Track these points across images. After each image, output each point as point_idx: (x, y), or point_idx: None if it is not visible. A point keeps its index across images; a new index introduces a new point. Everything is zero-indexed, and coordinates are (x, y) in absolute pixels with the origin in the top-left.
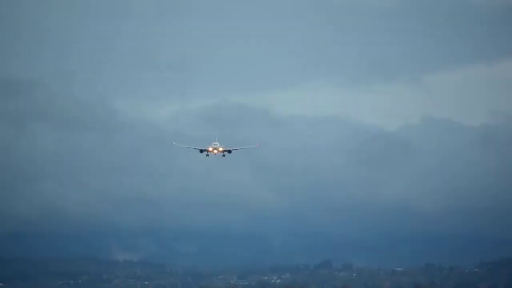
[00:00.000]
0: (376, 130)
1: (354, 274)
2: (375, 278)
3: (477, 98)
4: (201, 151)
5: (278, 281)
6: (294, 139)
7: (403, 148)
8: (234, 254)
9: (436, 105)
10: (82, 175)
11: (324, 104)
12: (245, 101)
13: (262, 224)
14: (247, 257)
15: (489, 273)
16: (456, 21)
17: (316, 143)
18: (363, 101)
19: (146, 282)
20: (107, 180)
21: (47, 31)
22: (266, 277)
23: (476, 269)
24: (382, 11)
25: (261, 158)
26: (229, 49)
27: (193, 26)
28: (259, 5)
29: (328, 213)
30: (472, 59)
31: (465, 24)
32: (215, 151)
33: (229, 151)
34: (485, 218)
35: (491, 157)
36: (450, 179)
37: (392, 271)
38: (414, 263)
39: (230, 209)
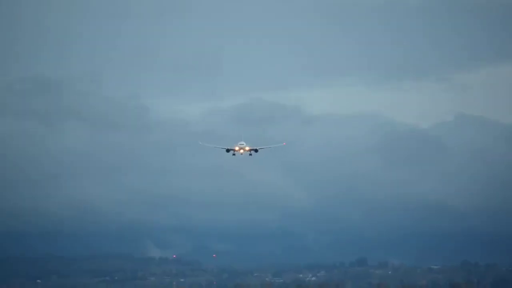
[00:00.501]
0: (408, 128)
1: (390, 272)
2: (411, 275)
3: (510, 96)
4: (228, 150)
5: (313, 278)
6: (325, 137)
7: (436, 145)
8: (268, 252)
9: (468, 102)
10: (113, 173)
11: (356, 102)
12: (276, 100)
13: (295, 222)
14: (281, 255)
15: None
16: (488, 18)
17: (348, 141)
18: (394, 99)
19: (182, 280)
20: (139, 179)
21: (76, 30)
22: (301, 275)
23: None
24: (413, 9)
25: (293, 156)
26: (260, 47)
27: (225, 25)
28: (289, 3)
29: (362, 211)
30: (504, 57)
31: (497, 22)
32: (242, 151)
33: (256, 150)
34: None
35: None
36: (484, 177)
37: (428, 269)
38: (451, 261)
39: (262, 208)
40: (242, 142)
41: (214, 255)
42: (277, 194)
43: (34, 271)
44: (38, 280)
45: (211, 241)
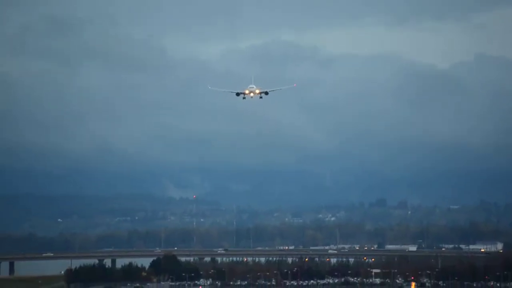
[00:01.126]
0: (428, 69)
1: (409, 212)
2: (431, 215)
3: None
4: (238, 94)
5: (332, 219)
6: (343, 78)
7: (456, 85)
8: (287, 193)
9: (489, 43)
10: (132, 114)
11: (375, 43)
12: (294, 40)
13: (314, 163)
14: (301, 196)
15: None
16: None
17: (367, 82)
18: (414, 39)
19: (202, 220)
20: (159, 119)
21: None
22: (320, 215)
23: None
24: None
25: (311, 98)
26: None
27: None
28: None
29: (382, 151)
30: None
31: None
32: (252, 94)
33: (266, 93)
34: None
35: None
36: (503, 117)
37: (448, 209)
38: (470, 201)
39: (281, 149)
40: (252, 85)
41: (234, 197)
42: (296, 135)
43: (56, 210)
44: (59, 219)
45: (230, 181)
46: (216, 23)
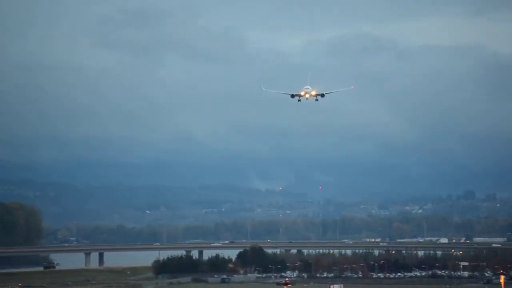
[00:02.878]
0: (509, 59)
1: (498, 205)
2: None
3: None
4: (292, 96)
5: (420, 211)
6: (425, 69)
7: None
8: (373, 184)
9: None
10: (214, 104)
11: (454, 33)
12: (374, 32)
13: (399, 154)
14: (387, 188)
15: None
16: None
17: (449, 73)
18: (497, 30)
19: (288, 211)
20: (239, 110)
21: None
22: (407, 207)
23: None
24: None
25: (393, 89)
26: None
27: None
28: None
29: (467, 143)
30: None
31: None
32: (307, 95)
33: (322, 95)
34: None
35: None
36: None
37: None
38: None
39: (365, 140)
40: (308, 87)
41: (319, 188)
42: (378, 127)
43: (144, 202)
44: (147, 211)
45: (316, 173)
46: (296, 15)
